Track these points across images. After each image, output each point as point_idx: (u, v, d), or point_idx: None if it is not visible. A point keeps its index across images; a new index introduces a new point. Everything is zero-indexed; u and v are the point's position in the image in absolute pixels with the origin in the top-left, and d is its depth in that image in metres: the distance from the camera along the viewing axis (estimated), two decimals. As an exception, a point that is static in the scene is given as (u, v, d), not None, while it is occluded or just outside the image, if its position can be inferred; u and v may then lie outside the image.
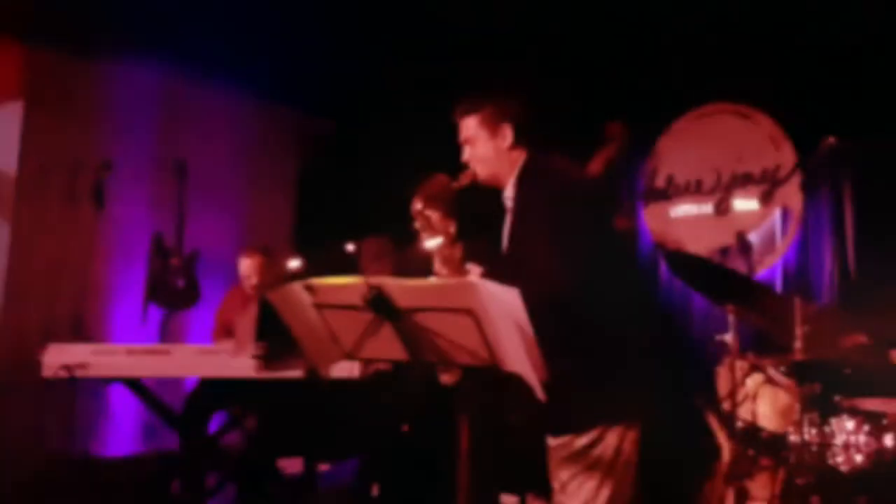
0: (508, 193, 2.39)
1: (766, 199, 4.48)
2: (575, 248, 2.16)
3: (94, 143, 4.99)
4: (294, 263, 5.03)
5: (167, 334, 5.15)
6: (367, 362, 3.51)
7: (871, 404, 2.79)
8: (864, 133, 3.99)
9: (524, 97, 2.42)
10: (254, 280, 4.51)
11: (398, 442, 4.05)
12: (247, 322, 3.63)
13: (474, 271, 2.28)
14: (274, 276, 4.44)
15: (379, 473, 4.24)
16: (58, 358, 3.50)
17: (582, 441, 2.21)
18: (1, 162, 4.71)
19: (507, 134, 2.35)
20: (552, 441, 2.29)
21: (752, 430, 3.22)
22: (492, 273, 2.23)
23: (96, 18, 4.30)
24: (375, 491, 4.21)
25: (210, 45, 4.70)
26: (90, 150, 4.96)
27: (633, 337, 2.29)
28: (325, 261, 4.31)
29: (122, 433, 4.98)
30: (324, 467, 4.60)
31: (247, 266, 4.49)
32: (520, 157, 2.37)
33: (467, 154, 2.39)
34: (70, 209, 4.87)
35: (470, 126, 2.37)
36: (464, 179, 2.38)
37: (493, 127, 2.35)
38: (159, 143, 5.29)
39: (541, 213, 2.23)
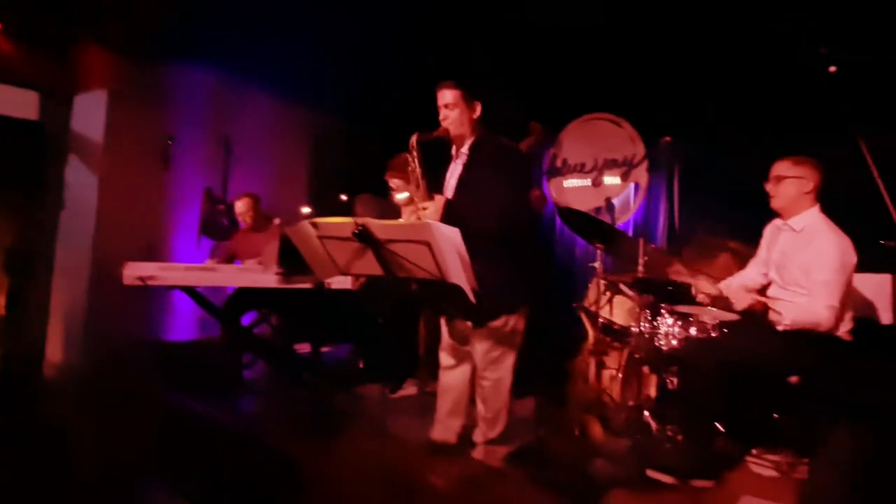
0: (464, 150, 2.38)
1: (625, 177, 4.62)
2: (514, 191, 2.23)
3: (161, 121, 4.73)
4: (305, 209, 4.95)
5: (214, 257, 5.03)
6: (355, 277, 3.49)
7: (683, 309, 2.87)
8: (687, 136, 4.14)
9: (486, 92, 2.40)
10: (247, 216, 4.33)
11: (377, 331, 4.04)
12: (271, 248, 3.57)
13: (439, 199, 2.26)
14: (260, 213, 4.35)
15: (364, 352, 4.26)
16: (135, 271, 3.40)
17: (496, 324, 2.30)
18: (92, 132, 4.48)
19: (478, 108, 2.35)
20: (476, 327, 2.35)
21: (609, 323, 3.28)
22: (451, 204, 2.23)
23: (165, 31, 4.07)
24: (361, 364, 4.24)
25: (250, 55, 4.49)
26: (158, 126, 4.71)
27: (529, 259, 2.36)
28: (327, 207, 4.27)
29: (182, 324, 4.89)
30: (325, 349, 4.59)
31: (239, 206, 4.35)
32: (478, 128, 2.37)
33: (443, 115, 2.36)
34: (144, 167, 4.64)
35: (453, 96, 2.33)
36: (440, 132, 2.36)
37: (469, 100, 2.34)
38: (211, 123, 5.05)
39: (495, 166, 2.26)
